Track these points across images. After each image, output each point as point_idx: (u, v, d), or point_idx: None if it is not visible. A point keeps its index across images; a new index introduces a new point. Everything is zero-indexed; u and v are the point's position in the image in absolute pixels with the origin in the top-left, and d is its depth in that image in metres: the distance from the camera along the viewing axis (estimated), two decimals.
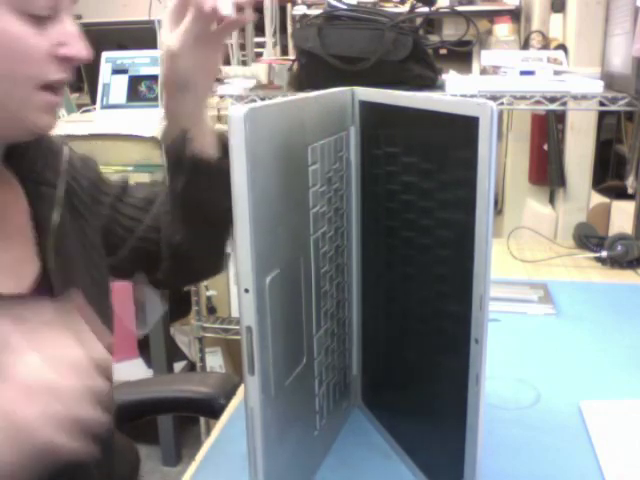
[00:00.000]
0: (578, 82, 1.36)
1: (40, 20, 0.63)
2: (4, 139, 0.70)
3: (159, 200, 0.90)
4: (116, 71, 2.04)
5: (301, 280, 0.64)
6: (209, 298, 2.02)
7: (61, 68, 0.65)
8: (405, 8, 1.96)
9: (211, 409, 1.02)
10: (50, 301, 0.69)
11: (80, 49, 0.66)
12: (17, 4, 0.61)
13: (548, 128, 2.01)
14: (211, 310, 2.03)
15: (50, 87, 0.66)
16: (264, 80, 1.54)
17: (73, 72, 0.68)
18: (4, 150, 0.71)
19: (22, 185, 0.74)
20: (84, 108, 2.13)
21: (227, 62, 2.63)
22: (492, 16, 2.38)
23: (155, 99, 2.00)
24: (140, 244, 0.88)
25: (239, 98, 1.45)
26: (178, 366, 2.16)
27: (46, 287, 0.71)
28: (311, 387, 0.70)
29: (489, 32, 2.36)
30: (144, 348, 2.10)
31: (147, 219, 0.89)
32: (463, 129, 0.54)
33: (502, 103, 1.33)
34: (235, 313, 2.00)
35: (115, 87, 2.03)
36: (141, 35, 2.13)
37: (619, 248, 1.36)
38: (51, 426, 0.52)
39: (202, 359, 2.06)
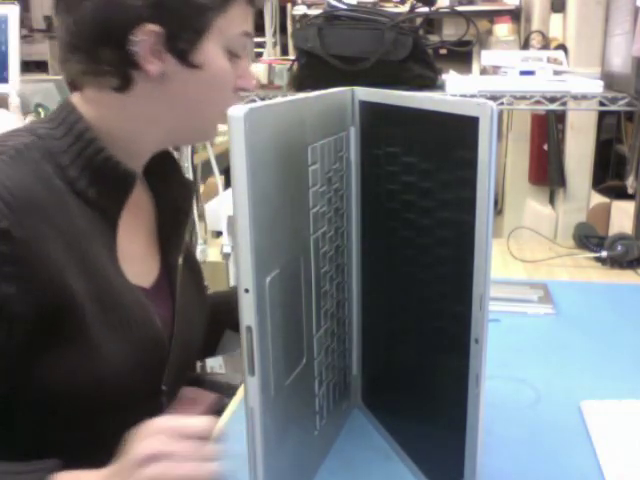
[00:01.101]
0: (578, 82, 1.36)
1: (234, 57, 0.76)
2: (177, 143, 0.88)
3: None
4: None
5: (301, 280, 0.64)
6: None
7: (236, 96, 0.80)
8: (405, 8, 1.96)
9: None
10: (169, 295, 0.84)
11: (252, 82, 0.81)
12: (229, 45, 0.75)
13: (548, 128, 2.01)
14: None
15: None
16: (264, 80, 1.54)
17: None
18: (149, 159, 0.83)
19: (151, 193, 0.86)
20: None
21: None
22: (492, 16, 2.38)
23: None
24: None
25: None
26: None
27: (165, 283, 0.84)
28: (311, 387, 0.70)
29: (489, 32, 2.37)
30: None
31: None
32: (463, 129, 0.54)
33: (502, 103, 1.33)
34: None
35: None
36: None
37: (619, 248, 1.35)
38: None
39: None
